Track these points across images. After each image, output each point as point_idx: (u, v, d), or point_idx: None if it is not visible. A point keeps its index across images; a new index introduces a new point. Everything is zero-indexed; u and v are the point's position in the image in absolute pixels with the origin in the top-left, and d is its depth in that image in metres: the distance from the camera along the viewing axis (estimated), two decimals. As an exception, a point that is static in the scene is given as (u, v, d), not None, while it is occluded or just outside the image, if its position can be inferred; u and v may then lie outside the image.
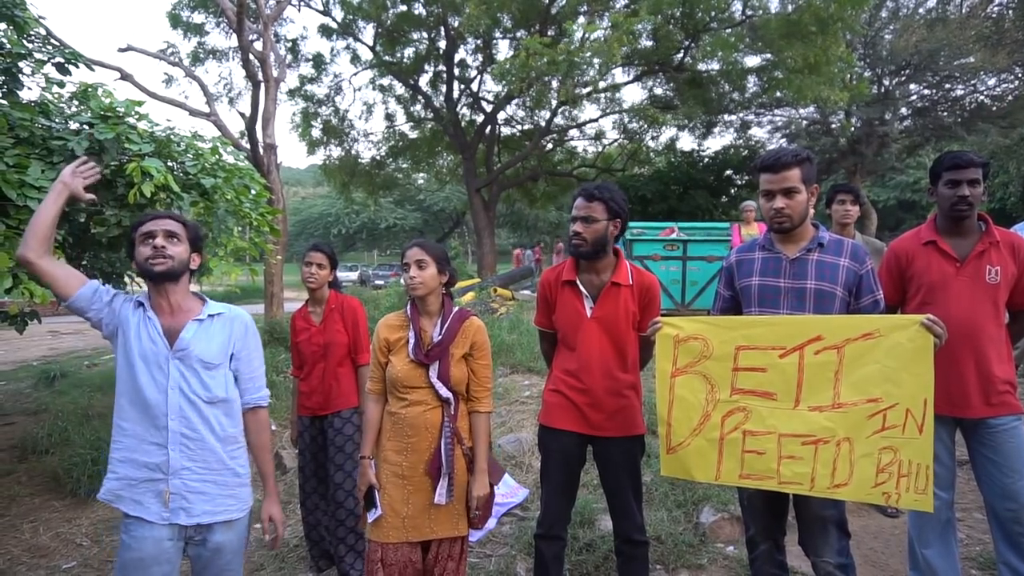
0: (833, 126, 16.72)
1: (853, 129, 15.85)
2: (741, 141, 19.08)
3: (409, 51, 17.79)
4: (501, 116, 18.79)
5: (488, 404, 2.53)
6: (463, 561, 2.54)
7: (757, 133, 19.54)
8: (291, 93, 17.35)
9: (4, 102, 4.45)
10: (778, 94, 14.52)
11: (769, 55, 13.81)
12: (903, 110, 16.73)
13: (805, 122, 17.89)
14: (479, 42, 17.27)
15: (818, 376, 2.13)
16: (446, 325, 2.46)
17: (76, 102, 4.40)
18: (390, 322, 2.54)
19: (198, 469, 2.05)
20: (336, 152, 19.26)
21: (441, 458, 2.39)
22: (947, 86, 16.26)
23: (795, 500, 2.34)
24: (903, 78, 16.07)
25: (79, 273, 2.10)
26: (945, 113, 16.39)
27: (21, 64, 4.88)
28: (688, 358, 2.29)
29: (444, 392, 2.40)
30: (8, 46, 4.85)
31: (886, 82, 16.27)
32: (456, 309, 2.55)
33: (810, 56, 12.10)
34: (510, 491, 4.09)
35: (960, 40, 14.34)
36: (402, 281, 2.57)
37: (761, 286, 2.39)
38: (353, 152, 19.53)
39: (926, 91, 16.66)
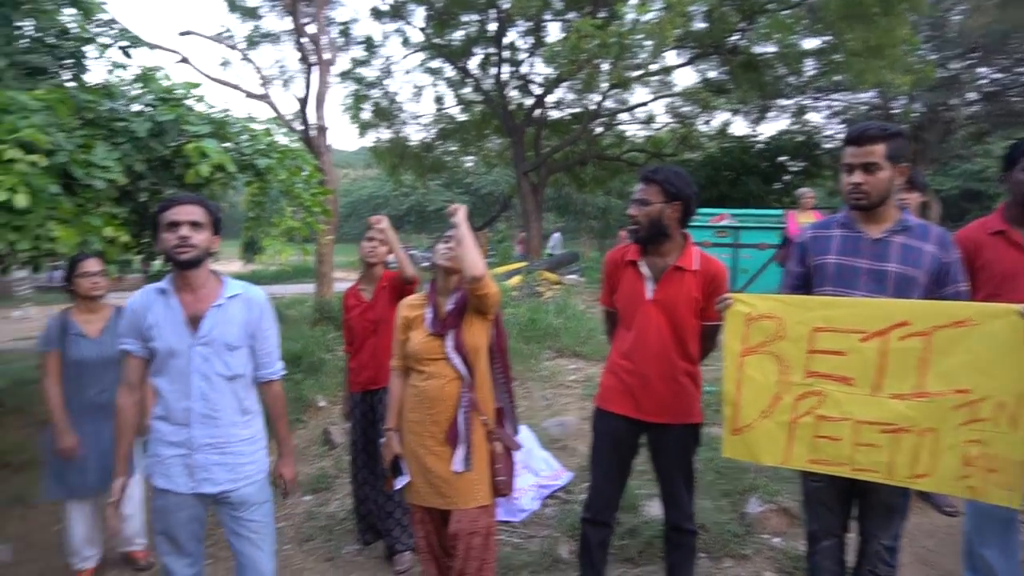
0: (894, 111, 16.07)
1: (916, 115, 15.21)
2: (797, 126, 18.49)
3: (459, 34, 17.73)
4: (550, 99, 18.58)
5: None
6: (491, 538, 2.59)
7: (814, 118, 18.92)
8: (342, 76, 17.49)
9: (72, 85, 4.63)
10: (837, 78, 13.99)
11: (828, 37, 13.28)
12: (970, 95, 15.96)
13: (865, 107, 17.23)
14: (529, 24, 17.08)
15: (901, 363, 2.04)
16: (458, 295, 2.57)
17: (138, 85, 4.54)
18: (411, 302, 2.70)
19: (218, 443, 2.24)
20: (386, 134, 19.38)
21: (459, 428, 2.48)
22: (1018, 70, 15.43)
23: (858, 486, 2.26)
24: (971, 61, 15.31)
25: (136, 373, 2.29)
26: (1016, 98, 15.57)
27: (87, 48, 5.06)
28: (760, 337, 2.22)
29: (459, 364, 2.49)
30: (76, 30, 5.04)
31: (953, 65, 15.53)
32: None
33: (872, 38, 11.59)
34: (554, 474, 4.10)
35: (1035, 21, 13.57)
36: (434, 254, 2.63)
37: (838, 265, 2.27)
38: (402, 134, 19.62)
39: (996, 75, 15.84)
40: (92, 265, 3.28)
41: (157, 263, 4.90)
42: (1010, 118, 15.58)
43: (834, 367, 2.13)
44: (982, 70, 15.74)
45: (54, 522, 4.13)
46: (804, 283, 2.40)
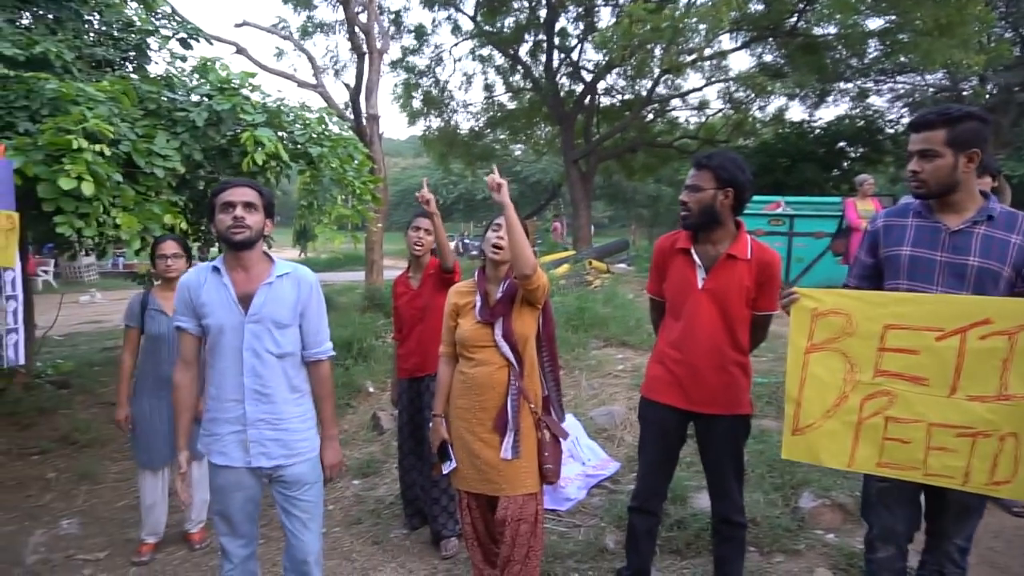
0: (965, 93, 15.33)
1: (988, 96, 14.48)
2: (857, 111, 17.83)
3: (509, 21, 17.66)
4: (601, 86, 18.36)
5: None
6: (539, 525, 2.59)
7: (876, 102, 18.20)
8: (393, 64, 17.64)
9: (135, 76, 4.78)
10: (902, 59, 13.41)
11: (894, 16, 12.74)
12: (1049, 75, 15.09)
13: (932, 89, 16.51)
14: (580, 10, 16.90)
15: (982, 363, 1.92)
16: (508, 283, 2.56)
17: (196, 75, 4.66)
18: (460, 288, 2.70)
19: (272, 419, 2.28)
20: (435, 123, 19.48)
21: (507, 415, 2.48)
22: (1102, 47, 14.53)
23: (932, 486, 2.12)
24: (1050, 39, 14.49)
25: (191, 354, 2.35)
26: (1098, 78, 14.67)
27: (149, 40, 5.21)
28: (827, 334, 2.12)
29: (507, 352, 2.50)
30: (138, 23, 5.19)
31: (1030, 43, 14.72)
32: None
33: (942, 16, 11.03)
34: (601, 463, 4.08)
35: (1123, -7, 12.74)
36: (484, 242, 2.62)
37: (912, 257, 2.13)
38: (452, 123, 19.69)
39: (1078, 53, 14.94)
40: (168, 248, 3.43)
41: (214, 250, 5.04)
42: (1091, 99, 14.69)
43: (906, 366, 2.02)
44: (1062, 49, 14.85)
45: (118, 498, 4.32)
46: (874, 274, 2.28)
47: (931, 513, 2.23)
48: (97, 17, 5.16)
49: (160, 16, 5.48)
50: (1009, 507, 3.56)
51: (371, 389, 5.88)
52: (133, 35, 5.14)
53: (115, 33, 5.09)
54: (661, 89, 17.25)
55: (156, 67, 5.30)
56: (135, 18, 5.23)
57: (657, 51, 12.81)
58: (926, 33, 11.44)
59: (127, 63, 5.17)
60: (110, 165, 3.34)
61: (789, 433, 2.20)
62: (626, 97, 18.74)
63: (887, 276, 2.22)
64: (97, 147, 3.27)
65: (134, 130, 3.67)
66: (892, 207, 2.38)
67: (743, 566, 2.65)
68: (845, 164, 17.18)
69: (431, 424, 2.71)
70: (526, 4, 17.19)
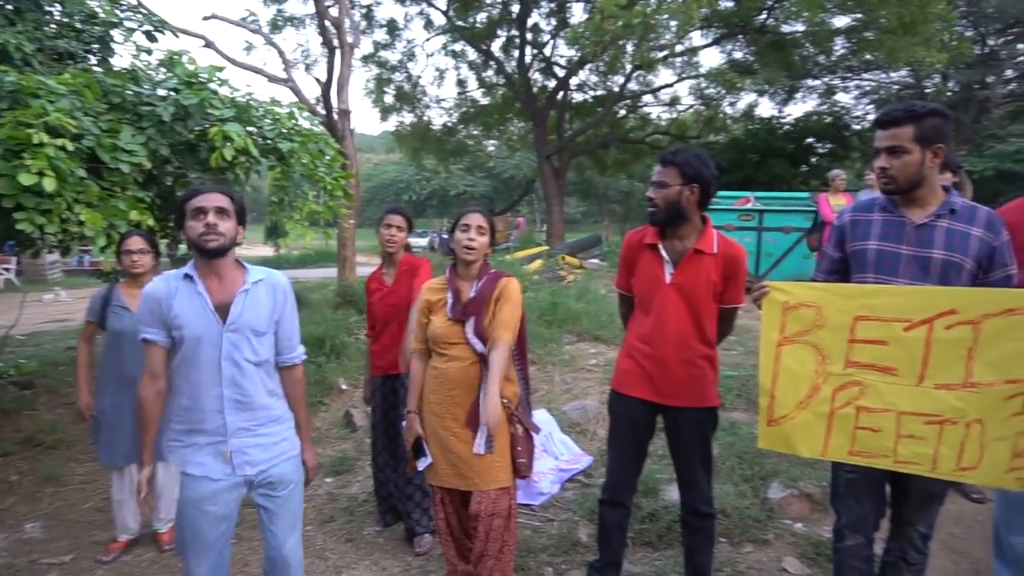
0: (927, 90, 15.67)
1: (949, 93, 14.82)
2: (825, 107, 18.15)
3: (482, 16, 17.63)
4: (573, 82, 18.44)
5: (502, 338, 2.44)
6: (512, 519, 2.61)
7: (843, 98, 18.52)
8: (365, 59, 17.51)
9: (98, 69, 4.68)
10: (868, 56, 13.68)
11: (860, 14, 12.97)
12: (1008, 72, 15.50)
13: (896, 87, 16.85)
14: (553, 5, 16.94)
15: (948, 353, 1.98)
16: (481, 283, 2.57)
17: (163, 69, 4.57)
18: (432, 285, 2.70)
19: (252, 427, 2.22)
20: (408, 118, 19.41)
21: (479, 410, 2.48)
22: (1061, 46, 14.95)
23: (895, 472, 2.19)
24: (1010, 37, 14.86)
25: (158, 361, 2.20)
26: (1057, 76, 15.11)
27: (113, 32, 5.10)
28: (798, 326, 2.17)
29: (479, 347, 2.50)
30: (102, 15, 5.08)
31: (991, 41, 15.09)
32: (492, 270, 2.64)
33: (906, 15, 11.28)
34: (574, 457, 4.11)
35: (1078, -5, 13.11)
36: (453, 242, 2.60)
37: (879, 251, 2.17)
38: (425, 118, 19.63)
39: (1036, 52, 15.37)
40: (134, 243, 3.38)
41: (183, 247, 4.96)
42: (1049, 97, 15.12)
43: (876, 357, 2.07)
44: (1021, 46, 15.25)
45: (84, 500, 4.24)
46: (842, 268, 2.32)
47: (894, 501, 2.30)
48: (58, 8, 5.03)
49: (124, 8, 5.36)
50: (968, 493, 3.67)
51: (344, 386, 5.84)
52: (96, 27, 5.02)
53: (77, 25, 4.96)
54: (633, 85, 17.38)
55: (120, 60, 5.19)
56: (98, 9, 5.11)
57: (629, 47, 12.90)
58: (890, 31, 11.70)
59: (90, 56, 5.05)
60: (73, 160, 3.27)
61: (764, 424, 2.25)
62: (598, 93, 18.84)
63: (854, 269, 2.27)
64: (59, 142, 3.19)
65: (98, 124, 3.59)
66: (858, 202, 2.43)
67: (713, 556, 2.69)
68: (813, 160, 17.50)
69: (405, 421, 2.71)
70: (498, -1, 17.18)
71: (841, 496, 2.34)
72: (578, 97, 19.42)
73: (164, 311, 2.14)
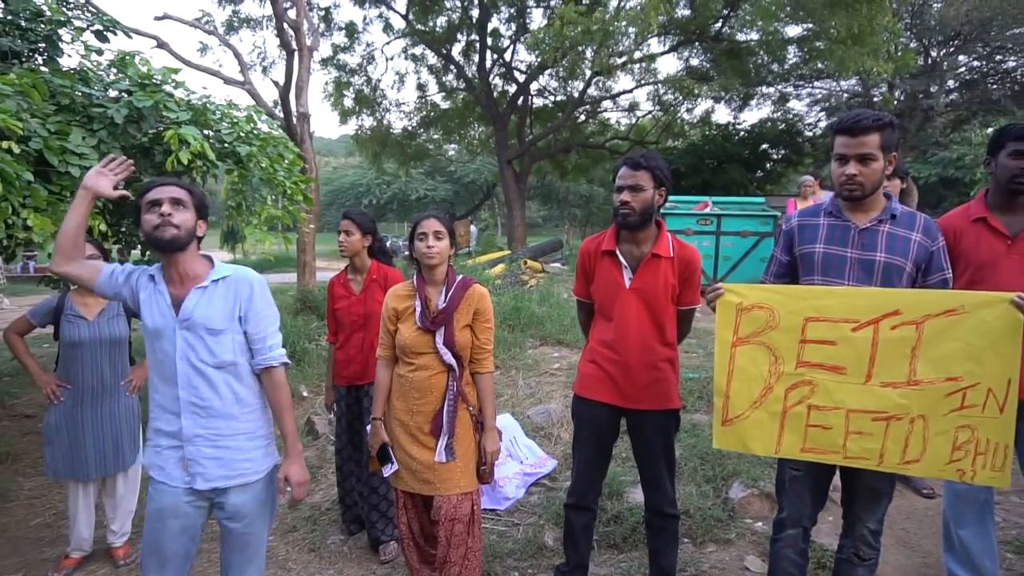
0: (875, 99, 16.20)
1: (896, 102, 15.34)
2: (779, 114, 18.61)
3: (442, 20, 17.60)
4: (534, 87, 18.54)
5: (489, 365, 2.63)
6: (475, 524, 2.60)
7: (795, 106, 19.02)
8: (324, 62, 17.31)
9: (45, 69, 4.52)
10: (819, 65, 14.09)
11: (811, 24, 13.35)
12: (950, 83, 16.12)
13: (846, 95, 17.37)
14: (512, 11, 17.01)
15: (893, 352, 2.06)
16: (450, 293, 2.56)
17: (115, 70, 4.44)
18: (398, 292, 2.66)
19: (210, 436, 2.11)
20: (368, 122, 19.23)
21: (443, 418, 2.51)
22: (998, 57, 15.60)
23: (844, 472, 2.29)
24: (951, 49, 15.47)
25: (96, 263, 2.19)
26: (995, 86, 15.75)
27: (61, 31, 4.94)
28: (751, 328, 2.22)
29: (449, 358, 2.51)
30: (48, 13, 4.91)
31: (933, 53, 15.68)
32: (460, 277, 2.64)
33: (854, 26, 11.67)
34: (538, 461, 4.12)
35: (1014, 9, 13.69)
36: (414, 250, 2.60)
37: (826, 254, 2.26)
38: (385, 122, 19.48)
39: (975, 63, 16.00)
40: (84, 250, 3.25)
41: (135, 253, 4.82)
42: (988, 106, 15.76)
43: (826, 357, 2.14)
44: (961, 58, 15.89)
45: (33, 516, 4.08)
46: (790, 271, 2.41)
47: (845, 500, 2.38)
48: (2, 5, 4.85)
49: (72, 6, 5.20)
50: (919, 489, 3.79)
51: (305, 394, 5.75)
52: (43, 25, 4.85)
53: (22, 23, 4.79)
54: (593, 91, 17.56)
55: (69, 60, 5.03)
56: (45, 7, 4.94)
57: (588, 53, 13.03)
58: (840, 41, 12.06)
59: (36, 55, 4.88)
60: (19, 163, 3.15)
61: (719, 424, 2.29)
62: (558, 98, 18.98)
63: (802, 272, 2.35)
64: (4, 144, 3.07)
65: (46, 126, 3.46)
66: (805, 208, 2.51)
67: (677, 557, 2.73)
68: (768, 165, 17.91)
69: (370, 428, 2.68)
70: (458, 3, 17.17)
71: (786, 491, 2.41)
72: (539, 102, 19.54)
73: (135, 287, 2.15)
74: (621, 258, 2.54)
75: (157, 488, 2.14)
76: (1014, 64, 15.74)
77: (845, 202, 2.27)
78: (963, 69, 16.21)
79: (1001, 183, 2.47)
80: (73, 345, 3.27)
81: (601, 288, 2.61)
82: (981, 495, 2.61)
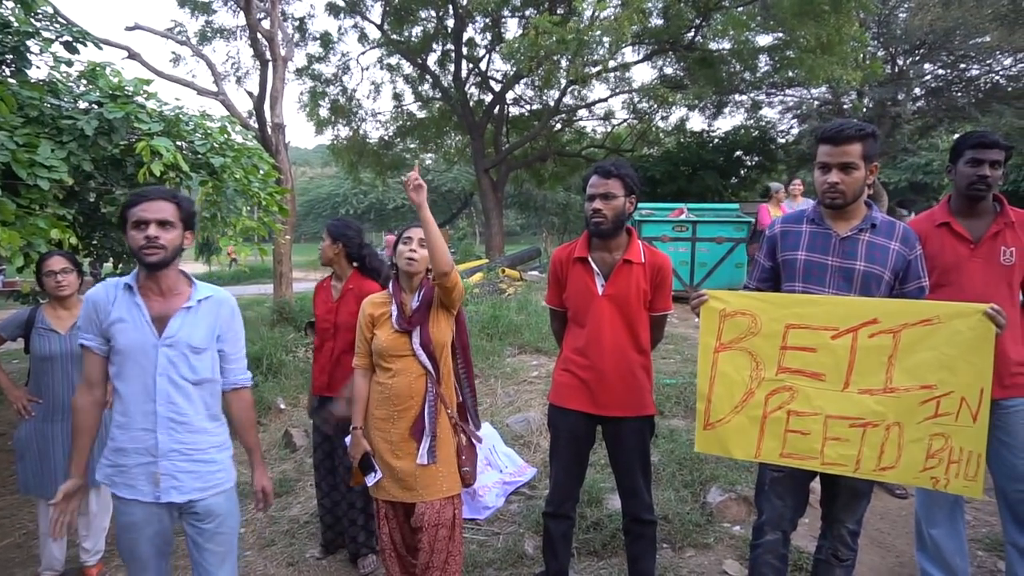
0: (845, 107, 16.49)
1: (865, 110, 15.62)
2: (752, 122, 18.86)
3: (417, 30, 17.62)
4: (510, 96, 18.59)
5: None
6: (457, 530, 2.61)
7: (768, 113, 19.33)
8: (299, 72, 17.23)
9: (13, 81, 4.45)
10: (790, 74, 14.30)
11: (781, 34, 13.58)
12: (916, 91, 16.46)
13: (817, 103, 17.65)
14: (488, 20, 17.06)
15: (871, 359, 2.10)
16: (422, 293, 2.59)
17: (84, 81, 4.40)
18: (375, 299, 2.68)
19: (186, 450, 2.12)
20: (344, 132, 19.15)
21: (424, 422, 2.51)
22: (962, 66, 15.95)
23: (825, 476, 2.31)
24: (917, 58, 15.79)
25: (97, 364, 2.14)
26: (959, 94, 16.11)
27: (29, 43, 4.86)
28: (734, 333, 2.25)
29: (426, 361, 2.52)
30: (16, 24, 4.83)
31: (900, 62, 16.00)
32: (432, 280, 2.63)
33: (823, 35, 11.90)
34: (518, 470, 4.12)
35: (976, 19, 14.03)
36: (395, 256, 2.61)
37: (807, 262, 2.30)
38: (361, 132, 19.41)
39: (940, 71, 16.35)
40: (55, 263, 3.22)
41: (107, 266, 4.75)
42: (953, 113, 16.10)
43: (806, 363, 2.18)
44: (927, 66, 16.24)
45: (2, 536, 3.99)
46: (773, 277, 2.45)
47: (824, 501, 2.41)
48: (-33, 17, 4.77)
49: (41, 17, 5.12)
50: (892, 490, 3.86)
51: (282, 406, 5.70)
52: (10, 36, 4.77)
53: (-11, 35, 4.71)
54: (568, 99, 17.66)
55: (38, 71, 4.96)
56: (11, 18, 4.87)
57: (563, 62, 13.11)
58: (810, 50, 12.28)
59: (3, 67, 4.80)
60: (-13, 177, 3.10)
61: (701, 428, 2.33)
62: (534, 107, 19.05)
63: (784, 278, 2.39)
64: (-29, 157, 3.03)
65: (13, 139, 3.41)
66: (788, 214, 2.56)
67: (656, 562, 2.75)
68: (742, 171, 18.12)
69: (350, 438, 2.66)
70: (433, 14, 17.20)
71: (765, 494, 2.43)
72: (515, 111, 19.59)
73: (101, 318, 2.09)
74: (593, 265, 2.57)
75: (127, 503, 2.12)
76: (977, 72, 16.13)
77: (827, 210, 2.31)
78: (929, 77, 16.56)
79: (961, 189, 2.53)
80: (44, 359, 3.22)
81: (574, 295, 2.63)
82: (951, 496, 2.66)
